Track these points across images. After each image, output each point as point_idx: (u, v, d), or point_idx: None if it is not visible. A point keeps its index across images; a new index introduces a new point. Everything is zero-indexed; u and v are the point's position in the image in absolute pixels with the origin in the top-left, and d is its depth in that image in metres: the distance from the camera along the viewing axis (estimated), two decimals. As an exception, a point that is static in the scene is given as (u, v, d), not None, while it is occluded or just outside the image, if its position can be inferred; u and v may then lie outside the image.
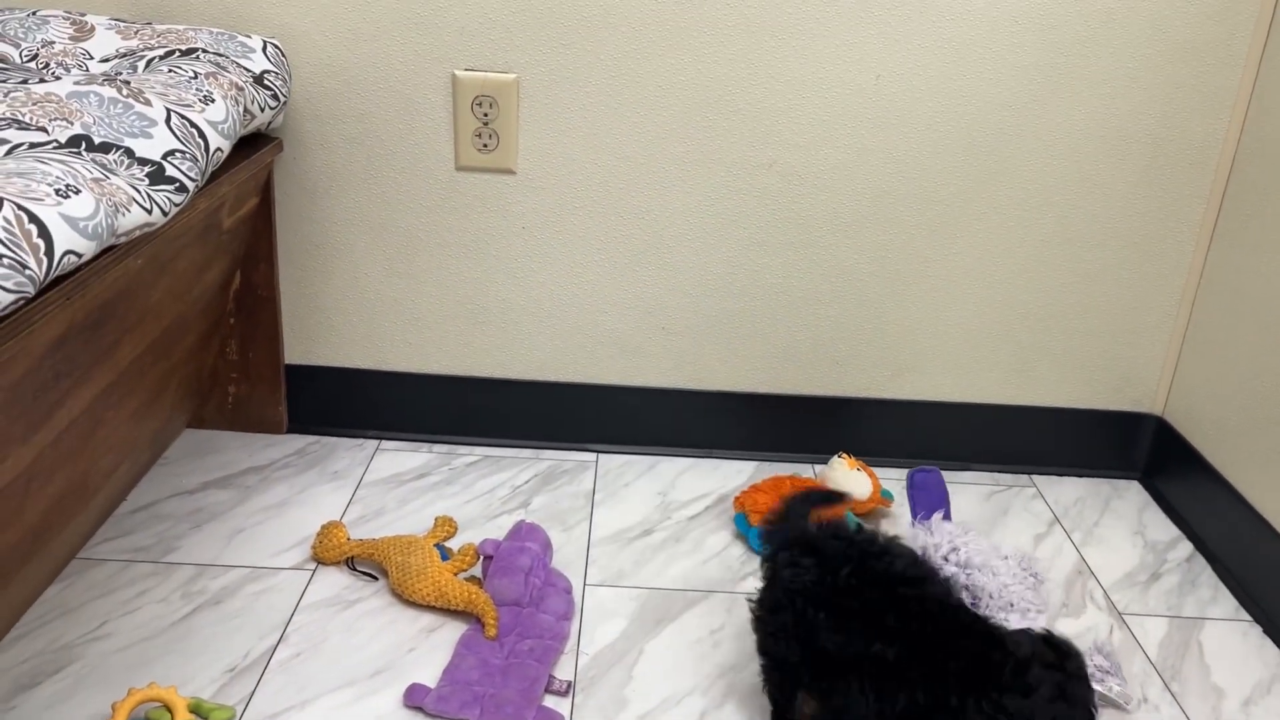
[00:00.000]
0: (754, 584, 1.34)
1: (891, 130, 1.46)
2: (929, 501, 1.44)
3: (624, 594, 1.31)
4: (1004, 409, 1.62)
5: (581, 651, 1.20)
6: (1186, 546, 1.48)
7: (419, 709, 1.09)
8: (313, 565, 1.32)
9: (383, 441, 1.62)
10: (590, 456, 1.63)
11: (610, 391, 1.62)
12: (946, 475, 1.61)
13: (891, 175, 1.49)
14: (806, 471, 1.59)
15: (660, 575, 1.35)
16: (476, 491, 1.51)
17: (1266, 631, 1.31)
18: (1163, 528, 1.52)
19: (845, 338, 1.58)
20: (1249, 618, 1.33)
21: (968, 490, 1.59)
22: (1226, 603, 1.36)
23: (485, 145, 1.47)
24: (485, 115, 1.46)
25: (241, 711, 1.08)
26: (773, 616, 1.00)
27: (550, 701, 1.12)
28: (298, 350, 1.61)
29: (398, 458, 1.59)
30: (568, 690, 1.14)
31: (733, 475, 1.59)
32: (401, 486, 1.51)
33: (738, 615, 1.28)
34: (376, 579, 1.30)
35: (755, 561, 1.38)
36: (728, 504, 1.51)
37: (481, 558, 1.27)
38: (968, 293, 1.55)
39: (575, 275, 1.55)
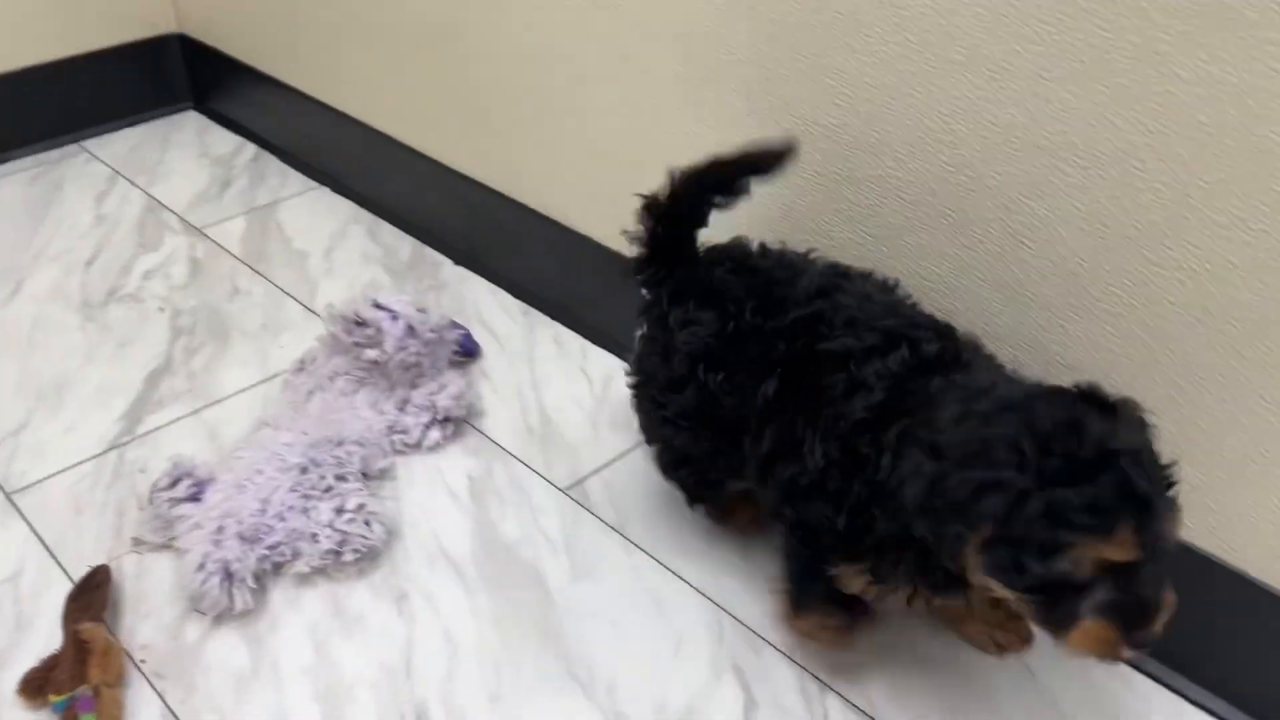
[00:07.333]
0: None
1: None
2: None
3: None
4: (17, 75, 1.37)
5: None
6: (251, 148, 1.43)
7: None
8: None
9: None
10: None
11: None
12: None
13: None
14: None
15: None
16: None
17: (335, 190, 1.33)
18: (225, 141, 1.46)
19: None
20: (317, 184, 1.34)
21: (8, 181, 1.35)
22: (295, 181, 1.35)
23: None
24: None
25: None
26: (673, 396, 0.75)
27: None
28: None
29: None
30: None
31: None
32: None
33: None
34: None
35: None
36: None
37: None
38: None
39: None
